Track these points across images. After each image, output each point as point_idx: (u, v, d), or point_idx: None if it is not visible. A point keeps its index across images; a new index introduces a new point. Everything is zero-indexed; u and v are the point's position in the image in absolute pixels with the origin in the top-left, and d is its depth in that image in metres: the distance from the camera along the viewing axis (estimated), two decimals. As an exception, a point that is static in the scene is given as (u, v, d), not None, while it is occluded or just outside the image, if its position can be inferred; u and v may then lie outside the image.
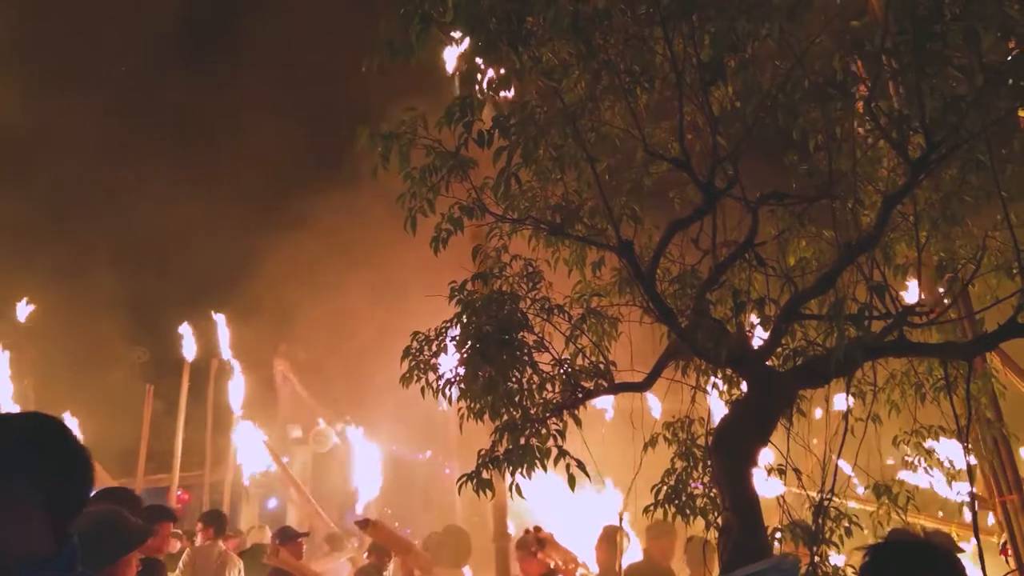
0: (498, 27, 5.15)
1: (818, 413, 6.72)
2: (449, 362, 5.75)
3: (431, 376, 5.71)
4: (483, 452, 5.45)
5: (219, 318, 24.16)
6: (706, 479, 5.95)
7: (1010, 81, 5.05)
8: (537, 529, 8.69)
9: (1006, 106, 5.23)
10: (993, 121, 5.25)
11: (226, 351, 24.05)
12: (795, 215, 5.82)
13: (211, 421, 23.70)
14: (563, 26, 5.05)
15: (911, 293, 6.72)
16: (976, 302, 6.20)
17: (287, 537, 10.36)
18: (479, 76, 5.30)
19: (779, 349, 5.76)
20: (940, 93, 5.26)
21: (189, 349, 23.17)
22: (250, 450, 22.41)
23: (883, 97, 5.32)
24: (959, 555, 3.52)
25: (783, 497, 5.74)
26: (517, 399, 5.60)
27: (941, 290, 6.10)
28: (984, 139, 5.29)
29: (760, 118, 5.36)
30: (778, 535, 5.45)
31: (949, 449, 6.49)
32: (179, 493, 22.60)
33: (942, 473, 6.37)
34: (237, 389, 23.67)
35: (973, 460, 7.12)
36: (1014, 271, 5.27)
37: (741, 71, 5.30)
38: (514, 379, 5.62)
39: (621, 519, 7.01)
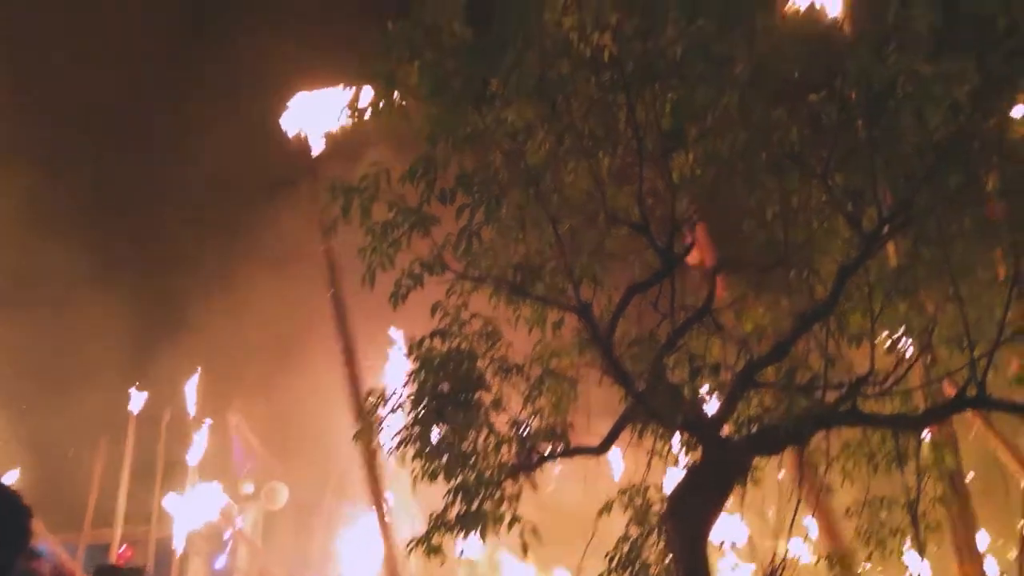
0: (463, 88, 5.21)
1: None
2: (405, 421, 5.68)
3: (385, 435, 5.62)
4: (434, 515, 5.36)
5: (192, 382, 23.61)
6: (661, 546, 5.88)
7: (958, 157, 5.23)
8: None
9: (956, 183, 5.39)
10: (943, 198, 5.40)
11: (191, 405, 23.49)
12: (752, 282, 5.88)
13: (161, 476, 23.04)
14: (528, 89, 5.13)
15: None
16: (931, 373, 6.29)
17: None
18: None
19: (734, 415, 5.77)
20: (893, 168, 5.42)
21: (137, 401, 22.65)
22: (186, 513, 21.79)
23: (839, 170, 5.45)
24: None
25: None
26: (472, 461, 5.53)
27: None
28: (935, 215, 5.43)
29: (719, 186, 5.46)
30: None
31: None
32: (121, 550, 21.82)
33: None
34: (195, 444, 23.13)
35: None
36: (964, 345, 5.36)
37: (701, 140, 5.41)
38: (469, 440, 5.55)
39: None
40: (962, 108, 5.06)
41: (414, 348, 5.69)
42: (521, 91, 5.12)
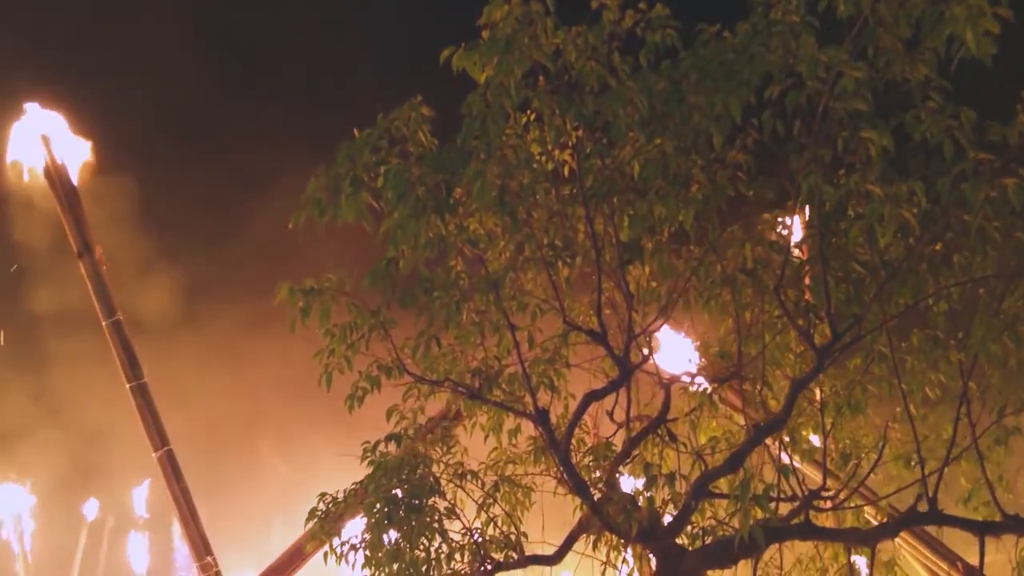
0: (426, 195, 5.30)
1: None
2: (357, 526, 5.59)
3: (335, 541, 5.52)
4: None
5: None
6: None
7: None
8: None
9: (905, 301, 5.53)
10: (894, 315, 5.53)
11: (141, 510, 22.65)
12: (706, 394, 5.94)
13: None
14: (489, 199, 5.23)
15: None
16: (880, 489, 6.32)
17: None
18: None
19: (688, 527, 5.74)
20: (844, 285, 5.56)
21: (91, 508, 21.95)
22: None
23: (792, 286, 5.58)
24: None
25: None
26: (424, 568, 5.44)
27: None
28: (885, 331, 5.55)
29: (674, 298, 5.57)
30: None
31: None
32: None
33: None
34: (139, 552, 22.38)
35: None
36: (913, 463, 5.42)
37: (657, 253, 5.53)
38: (422, 547, 5.46)
39: None
40: (911, 229, 5.22)
41: (368, 452, 5.64)
42: (483, 200, 5.21)
